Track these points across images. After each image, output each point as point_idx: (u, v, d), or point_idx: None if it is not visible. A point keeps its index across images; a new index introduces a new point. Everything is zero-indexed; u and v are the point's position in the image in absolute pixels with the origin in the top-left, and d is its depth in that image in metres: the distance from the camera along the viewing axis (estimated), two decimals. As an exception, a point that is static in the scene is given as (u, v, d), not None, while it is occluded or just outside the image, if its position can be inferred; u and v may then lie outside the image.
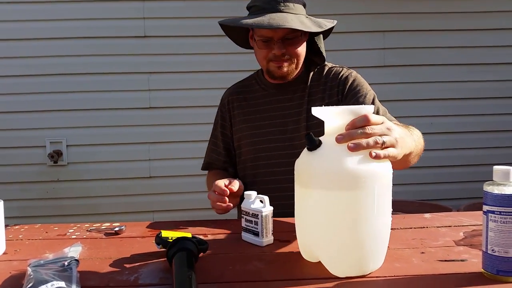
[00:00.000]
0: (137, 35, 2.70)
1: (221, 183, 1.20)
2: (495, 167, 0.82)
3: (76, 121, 2.69)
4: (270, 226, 1.02)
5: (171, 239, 0.88)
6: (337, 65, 1.45)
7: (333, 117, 0.85)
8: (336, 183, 0.80)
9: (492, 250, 0.79)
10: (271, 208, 1.03)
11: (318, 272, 0.84)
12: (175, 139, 2.74)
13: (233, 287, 0.79)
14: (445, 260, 0.91)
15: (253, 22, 1.26)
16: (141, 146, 2.73)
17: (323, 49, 1.43)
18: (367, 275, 0.83)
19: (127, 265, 0.89)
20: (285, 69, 1.35)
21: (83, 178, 2.72)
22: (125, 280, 0.82)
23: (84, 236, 1.10)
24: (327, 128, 0.86)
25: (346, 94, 1.35)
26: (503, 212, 0.78)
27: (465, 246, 0.99)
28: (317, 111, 0.84)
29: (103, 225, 1.18)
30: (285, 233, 1.07)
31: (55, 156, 2.65)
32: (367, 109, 0.83)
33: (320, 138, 0.85)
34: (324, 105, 0.87)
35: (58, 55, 2.67)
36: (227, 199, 1.17)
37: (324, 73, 1.42)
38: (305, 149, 0.86)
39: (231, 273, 0.86)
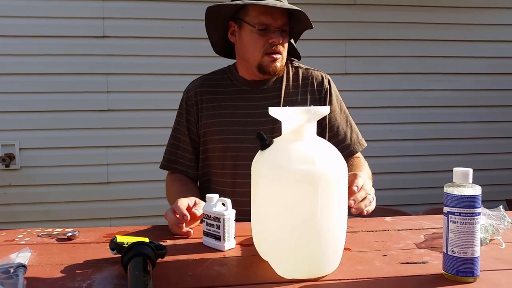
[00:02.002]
0: (95, 35, 2.62)
1: (184, 205, 1.06)
2: (455, 168, 0.83)
3: (30, 123, 2.57)
4: (232, 230, 0.99)
5: (127, 244, 0.83)
6: (313, 68, 1.44)
7: (290, 118, 0.85)
8: (281, 181, 0.81)
9: (452, 251, 0.80)
10: (234, 211, 1.00)
11: (279, 276, 0.82)
12: (134, 143, 2.66)
13: (192, 293, 0.76)
14: (407, 263, 0.91)
15: (262, 2, 1.25)
16: (99, 150, 2.63)
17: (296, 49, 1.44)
18: (324, 277, 0.83)
19: (80, 271, 0.84)
20: (279, 63, 1.32)
21: (37, 183, 2.60)
22: (77, 287, 0.77)
23: (35, 242, 1.03)
24: (284, 128, 0.87)
25: (329, 104, 1.39)
26: (463, 213, 0.79)
27: (426, 249, 1.00)
28: (275, 112, 0.86)
29: (55, 230, 1.11)
30: (249, 237, 1.04)
31: (7, 159, 2.52)
32: (323, 110, 0.86)
33: (278, 138, 0.86)
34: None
35: (11, 54, 2.55)
36: (185, 229, 1.06)
37: (301, 75, 1.40)
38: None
39: (191, 278, 0.82)
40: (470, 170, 0.82)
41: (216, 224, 0.99)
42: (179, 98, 1.46)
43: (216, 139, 1.36)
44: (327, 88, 1.40)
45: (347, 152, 1.37)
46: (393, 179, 3.08)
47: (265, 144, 0.87)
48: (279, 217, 0.82)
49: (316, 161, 0.81)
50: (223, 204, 1.01)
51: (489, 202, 3.19)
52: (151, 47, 2.67)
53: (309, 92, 1.38)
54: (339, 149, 0.89)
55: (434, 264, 0.91)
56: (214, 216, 0.99)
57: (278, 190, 0.81)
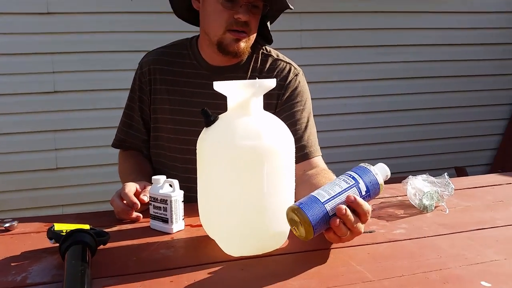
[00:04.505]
0: (39, 11, 2.45)
1: (131, 191, 1.00)
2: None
3: (-30, 108, 2.42)
4: (180, 211, 0.97)
5: (65, 232, 0.79)
6: (283, 59, 1.27)
7: (235, 92, 0.83)
8: (225, 158, 0.79)
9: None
10: (181, 192, 0.97)
11: (226, 255, 0.81)
12: (84, 126, 2.55)
13: (136, 278, 0.73)
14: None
15: None
16: (46, 135, 2.51)
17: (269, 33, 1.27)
18: (272, 252, 0.82)
19: (15, 264, 0.80)
20: (242, 44, 1.15)
21: (-19, 172, 2.47)
22: (11, 281, 0.73)
23: (-32, 235, 0.97)
24: (229, 103, 0.84)
25: (285, 102, 1.22)
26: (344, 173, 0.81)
27: (373, 218, 1.02)
28: (219, 86, 0.83)
29: (-8, 221, 1.04)
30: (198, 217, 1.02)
31: None
32: (269, 83, 0.84)
33: (223, 114, 0.84)
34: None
35: None
36: (135, 214, 1.01)
37: (268, 65, 1.24)
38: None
39: (135, 264, 0.79)
40: (380, 164, 0.84)
41: (163, 207, 0.96)
42: (130, 78, 1.34)
43: (168, 128, 1.26)
44: (290, 83, 1.23)
45: (302, 154, 1.16)
46: (348, 152, 3.13)
47: (209, 120, 0.84)
48: (224, 194, 0.80)
49: (262, 136, 0.79)
50: (170, 186, 0.98)
51: (440, 170, 3.30)
52: (99, 23, 2.52)
53: (274, 90, 1.15)
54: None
55: (381, 232, 0.93)
56: (161, 199, 0.96)
57: (223, 167, 0.79)
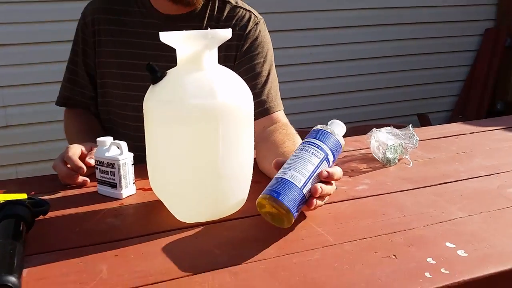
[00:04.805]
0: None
1: (76, 154, 0.92)
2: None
3: None
4: (130, 175, 0.89)
5: (-4, 204, 0.71)
6: (243, 6, 1.16)
7: (185, 43, 0.74)
8: (175, 119, 0.71)
9: (276, 174, 0.72)
10: (131, 154, 0.89)
11: (179, 222, 0.76)
12: (34, 80, 2.37)
13: (77, 253, 0.67)
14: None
15: None
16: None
17: None
18: (228, 217, 0.77)
19: None
20: None
21: None
22: None
23: None
24: (179, 56, 0.75)
25: (244, 54, 1.11)
26: (305, 141, 0.75)
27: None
28: (166, 37, 0.73)
29: None
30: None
31: None
32: (223, 33, 0.75)
33: (172, 69, 0.75)
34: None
35: None
36: (81, 178, 0.93)
37: (226, 13, 1.13)
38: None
39: (77, 236, 0.72)
40: (335, 121, 0.79)
41: (111, 171, 0.88)
42: (73, 29, 1.20)
43: (117, 84, 1.15)
44: (250, 33, 1.12)
45: (261, 110, 1.07)
46: (311, 102, 3.08)
47: (156, 77, 0.75)
48: (175, 160, 0.73)
49: (216, 93, 0.71)
50: (118, 148, 0.89)
51: (403, 117, 3.33)
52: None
53: (232, 41, 1.06)
54: (254, 106, 0.80)
55: (343, 190, 0.89)
56: (107, 162, 0.88)
57: (172, 129, 0.71)
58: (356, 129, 2.95)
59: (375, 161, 1.06)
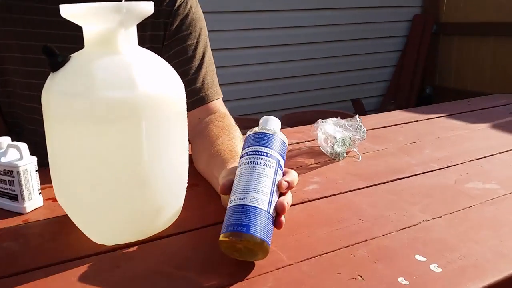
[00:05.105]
0: None
1: None
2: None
3: None
4: (34, 184, 0.72)
5: None
6: None
7: (93, 20, 0.57)
8: (82, 117, 0.55)
9: (230, 201, 0.57)
10: (33, 158, 0.72)
11: (96, 245, 0.61)
12: None
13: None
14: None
15: None
16: None
17: None
18: (161, 233, 0.64)
19: None
20: None
21: None
22: None
23: None
24: (86, 35, 0.59)
25: (174, 34, 0.96)
26: (250, 152, 0.61)
27: (282, 175, 0.87)
28: (67, 11, 0.57)
29: None
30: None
31: None
32: (143, 7, 0.60)
33: (78, 52, 0.59)
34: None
35: None
36: None
37: None
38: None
39: (-42, 272, 0.55)
40: (271, 118, 0.67)
41: (9, 180, 0.71)
42: None
43: (20, 71, 0.96)
44: (179, 9, 0.97)
45: (196, 99, 0.94)
46: (246, 89, 2.98)
47: (56, 62, 0.58)
48: (84, 166, 0.57)
49: (136, 83, 0.56)
50: (17, 151, 0.72)
51: (337, 103, 3.32)
52: None
53: (154, 14, 0.98)
54: (187, 95, 0.66)
55: (292, 191, 0.78)
56: (4, 170, 0.71)
57: (78, 129, 0.56)
58: (290, 116, 2.90)
59: (322, 155, 0.97)
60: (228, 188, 0.60)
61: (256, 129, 0.64)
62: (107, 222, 0.60)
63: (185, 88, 0.93)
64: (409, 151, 1.01)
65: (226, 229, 0.54)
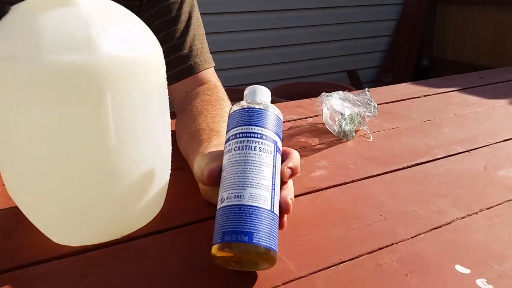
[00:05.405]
0: None
1: None
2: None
3: None
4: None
5: None
6: None
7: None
8: (26, 83, 0.40)
9: (221, 199, 0.44)
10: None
11: (58, 246, 0.49)
12: None
13: None
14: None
15: None
16: None
17: None
18: (129, 235, 0.51)
19: None
20: None
21: None
22: None
23: None
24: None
25: None
26: (239, 133, 0.47)
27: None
28: None
29: None
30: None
31: None
32: None
33: (22, 3, 0.45)
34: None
35: None
36: None
37: None
38: None
39: None
40: (259, 88, 0.53)
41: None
42: None
43: None
44: None
45: (183, 68, 0.79)
46: (240, 57, 2.82)
47: None
48: (35, 154, 0.44)
49: (98, 43, 0.42)
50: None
51: (331, 74, 3.18)
52: None
53: None
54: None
55: (296, 177, 0.66)
56: None
57: (23, 106, 0.42)
58: (283, 88, 2.76)
59: (327, 133, 0.85)
60: (217, 177, 0.47)
61: (243, 103, 0.50)
62: (68, 220, 0.48)
63: (170, 55, 0.79)
64: (425, 130, 0.89)
65: (222, 239, 0.41)
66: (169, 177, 0.56)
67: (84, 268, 0.46)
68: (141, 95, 0.46)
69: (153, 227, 0.53)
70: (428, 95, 1.14)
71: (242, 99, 0.52)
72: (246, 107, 0.49)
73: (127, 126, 0.45)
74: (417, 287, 0.44)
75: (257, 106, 0.49)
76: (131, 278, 0.45)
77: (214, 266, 0.44)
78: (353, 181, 0.67)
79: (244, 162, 0.45)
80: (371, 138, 0.84)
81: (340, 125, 0.83)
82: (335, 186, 0.65)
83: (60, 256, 0.48)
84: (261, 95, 0.52)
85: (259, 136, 0.47)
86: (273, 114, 0.49)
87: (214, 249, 0.41)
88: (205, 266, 0.46)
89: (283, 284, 0.44)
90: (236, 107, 0.50)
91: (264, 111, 0.49)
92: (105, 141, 0.44)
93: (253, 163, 0.45)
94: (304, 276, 0.45)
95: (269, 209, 0.43)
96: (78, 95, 0.41)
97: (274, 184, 0.45)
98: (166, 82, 0.51)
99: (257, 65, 2.94)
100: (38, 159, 0.44)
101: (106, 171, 0.45)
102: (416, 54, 3.47)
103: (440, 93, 1.16)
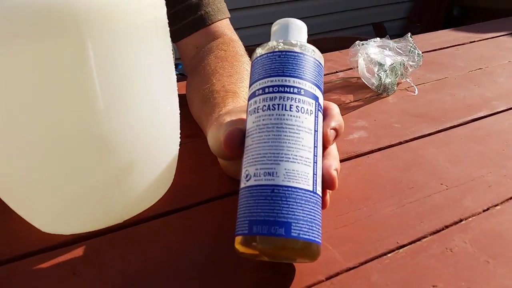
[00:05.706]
0: None
1: None
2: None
3: None
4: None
5: None
6: None
7: None
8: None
9: (247, 176, 0.33)
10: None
11: (48, 236, 0.40)
12: None
13: None
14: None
15: None
16: None
17: None
18: (130, 220, 0.42)
19: None
20: None
21: None
22: None
23: None
24: None
25: None
26: (268, 86, 0.35)
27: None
28: None
29: None
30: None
31: None
32: None
33: None
34: None
35: None
36: None
37: None
38: None
39: None
40: (292, 23, 0.39)
41: None
42: None
43: None
44: None
45: (193, 19, 0.67)
46: (261, 13, 2.67)
47: None
48: (6, 122, 0.35)
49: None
50: None
51: (356, 28, 2.99)
52: None
53: None
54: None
55: (332, 144, 0.56)
56: None
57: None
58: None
59: (364, 88, 0.74)
60: (239, 144, 0.37)
61: (272, 44, 0.36)
62: (56, 203, 0.39)
63: (177, 4, 0.67)
64: (478, 80, 0.76)
65: (249, 230, 0.31)
66: (178, 147, 0.46)
67: (76, 267, 0.38)
68: (135, 41, 0.35)
69: (160, 209, 0.44)
70: (474, 41, 1.00)
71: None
72: (277, 50, 0.36)
73: (118, 82, 0.35)
74: (502, 278, 0.33)
75: (291, 49, 0.36)
76: (133, 271, 0.36)
77: (237, 257, 0.34)
78: (400, 143, 0.56)
79: (277, 127, 0.33)
80: (416, 92, 0.72)
81: (380, 78, 0.71)
82: (379, 149, 0.54)
83: (49, 248, 0.39)
84: (297, 33, 0.39)
85: (296, 91, 0.34)
86: (313, 59, 0.36)
87: (238, 243, 0.32)
88: (224, 255, 0.36)
89: (327, 279, 0.34)
90: (261, 50, 0.37)
91: (302, 55, 0.35)
92: (90, 103, 0.34)
93: (289, 128, 0.33)
94: (353, 268, 0.35)
95: (311, 189, 0.32)
96: (52, 42, 0.31)
97: (316, 156, 0.34)
98: (167, 23, 0.41)
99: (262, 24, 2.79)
100: (8, 130, 0.34)
101: (96, 140, 0.36)
102: (447, 2, 3.23)
103: (487, 38, 1.02)
